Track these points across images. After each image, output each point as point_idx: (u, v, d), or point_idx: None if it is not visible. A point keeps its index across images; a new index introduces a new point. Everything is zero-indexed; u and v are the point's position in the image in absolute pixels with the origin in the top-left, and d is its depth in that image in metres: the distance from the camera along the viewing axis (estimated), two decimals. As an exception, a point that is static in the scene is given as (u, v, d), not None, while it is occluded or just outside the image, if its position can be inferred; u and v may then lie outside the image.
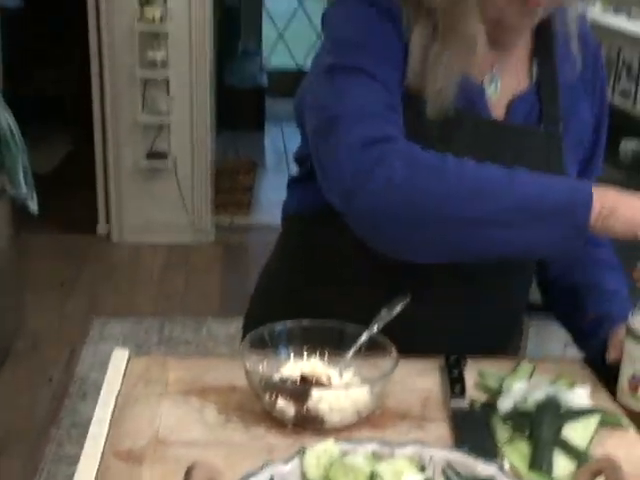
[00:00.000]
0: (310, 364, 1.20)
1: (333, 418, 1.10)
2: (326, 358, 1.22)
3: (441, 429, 1.14)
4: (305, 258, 1.45)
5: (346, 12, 1.30)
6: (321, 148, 1.22)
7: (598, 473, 0.82)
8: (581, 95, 1.38)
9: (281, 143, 6.98)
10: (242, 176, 5.25)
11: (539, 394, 1.16)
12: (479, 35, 1.24)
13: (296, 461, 0.92)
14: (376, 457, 0.93)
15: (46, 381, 3.38)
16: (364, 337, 1.22)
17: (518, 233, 1.14)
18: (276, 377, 1.17)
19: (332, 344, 1.22)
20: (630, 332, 1.19)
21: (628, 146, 2.86)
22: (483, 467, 0.91)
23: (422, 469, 0.91)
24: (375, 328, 1.23)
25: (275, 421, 1.13)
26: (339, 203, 1.18)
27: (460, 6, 1.22)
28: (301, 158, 1.44)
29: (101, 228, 4.91)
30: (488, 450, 1.06)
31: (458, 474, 0.91)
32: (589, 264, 1.44)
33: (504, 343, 1.49)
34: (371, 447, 0.93)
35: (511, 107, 1.33)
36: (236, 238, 5.01)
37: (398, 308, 1.25)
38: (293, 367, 1.20)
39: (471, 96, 1.28)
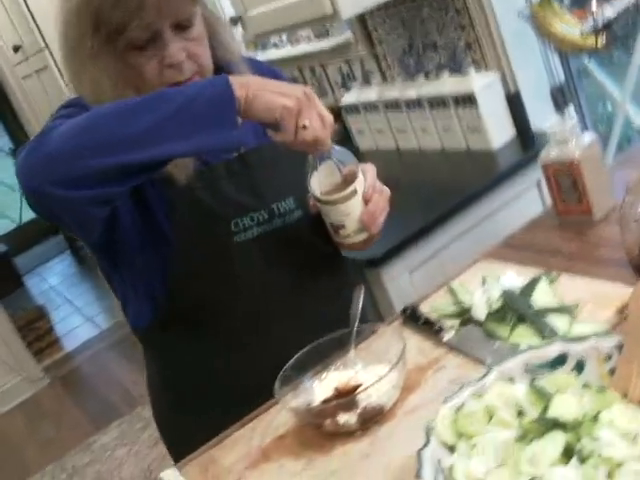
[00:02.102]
0: (331, 377, 1.09)
1: (387, 402, 1.01)
2: (337, 367, 1.11)
3: (459, 361, 1.06)
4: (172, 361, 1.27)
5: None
6: None
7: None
8: None
9: (46, 284, 6.46)
10: (40, 322, 4.78)
11: (495, 292, 1.14)
12: None
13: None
14: (476, 395, 0.85)
15: None
16: (353, 335, 1.12)
17: (180, 138, 0.95)
18: (319, 403, 1.05)
19: (334, 353, 1.12)
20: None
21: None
22: (550, 350, 0.87)
23: (512, 380, 0.86)
24: (356, 325, 1.12)
25: (342, 436, 1.00)
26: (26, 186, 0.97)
27: (118, 90, 1.09)
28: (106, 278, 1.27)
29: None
30: (506, 349, 1.03)
31: (538, 366, 0.86)
32: None
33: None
34: (468, 391, 0.85)
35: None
36: (66, 369, 4.55)
37: (361, 300, 1.15)
38: (321, 388, 1.08)
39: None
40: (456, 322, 1.15)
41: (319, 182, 1.08)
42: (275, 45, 2.96)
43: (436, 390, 1.02)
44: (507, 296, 1.11)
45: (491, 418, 0.82)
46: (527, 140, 2.14)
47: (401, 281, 1.92)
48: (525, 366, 0.86)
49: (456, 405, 0.84)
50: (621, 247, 1.18)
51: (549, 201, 2.10)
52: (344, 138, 2.84)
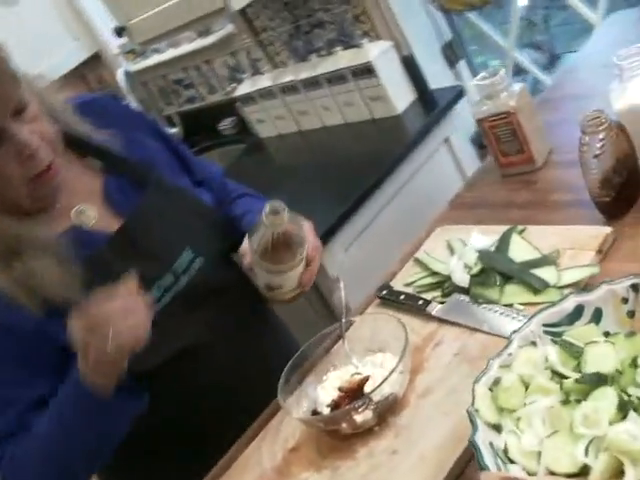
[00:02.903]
0: (332, 378, 1.00)
1: (399, 390, 0.92)
2: (335, 366, 1.02)
3: (454, 332, 0.98)
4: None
5: None
6: None
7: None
8: (147, 146, 1.15)
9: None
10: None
11: (469, 256, 1.07)
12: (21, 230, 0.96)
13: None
14: (505, 367, 0.79)
15: None
16: (344, 330, 1.03)
17: (88, 447, 0.96)
18: (327, 408, 0.96)
19: (327, 352, 1.03)
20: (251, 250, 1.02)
21: (226, 123, 2.80)
22: (565, 305, 0.81)
23: (534, 344, 0.80)
24: (344, 318, 1.03)
25: (359, 436, 0.91)
26: None
27: None
28: None
29: None
30: (500, 310, 0.97)
31: (556, 324, 0.80)
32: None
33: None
34: (496, 364, 0.79)
35: (113, 204, 1.07)
36: None
37: (342, 293, 1.05)
38: (324, 391, 0.98)
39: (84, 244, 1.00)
40: (437, 294, 1.08)
41: (258, 240, 0.97)
42: (156, 50, 2.78)
43: (441, 367, 0.95)
44: (485, 257, 1.05)
45: (527, 387, 0.76)
46: (428, 100, 2.10)
47: (338, 260, 1.84)
48: (542, 326, 0.80)
49: (490, 381, 0.77)
50: (572, 188, 1.15)
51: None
52: (241, 130, 2.72)
